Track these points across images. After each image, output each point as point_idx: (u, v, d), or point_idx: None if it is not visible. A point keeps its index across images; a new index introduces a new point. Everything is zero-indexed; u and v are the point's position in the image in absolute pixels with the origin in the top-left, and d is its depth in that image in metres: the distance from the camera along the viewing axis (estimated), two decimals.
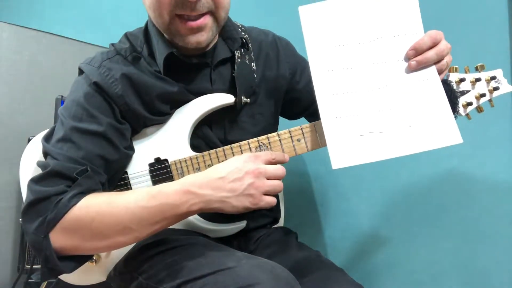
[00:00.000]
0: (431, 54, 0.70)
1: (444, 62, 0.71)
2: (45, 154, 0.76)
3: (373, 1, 0.72)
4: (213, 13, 0.75)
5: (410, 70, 0.71)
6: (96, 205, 0.69)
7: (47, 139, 0.77)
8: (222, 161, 0.77)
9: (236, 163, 0.69)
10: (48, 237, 0.67)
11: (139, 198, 0.68)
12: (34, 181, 0.70)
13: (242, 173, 0.68)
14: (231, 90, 0.86)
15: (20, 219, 0.71)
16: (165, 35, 0.80)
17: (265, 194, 0.69)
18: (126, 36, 0.87)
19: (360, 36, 0.72)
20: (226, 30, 0.87)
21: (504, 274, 0.97)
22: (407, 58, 0.71)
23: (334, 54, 0.72)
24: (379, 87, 0.70)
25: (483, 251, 1.00)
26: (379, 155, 0.67)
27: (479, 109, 0.77)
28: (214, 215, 0.87)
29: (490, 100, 0.77)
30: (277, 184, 0.71)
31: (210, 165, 0.80)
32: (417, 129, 0.68)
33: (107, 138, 0.76)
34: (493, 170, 0.99)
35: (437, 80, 0.70)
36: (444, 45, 0.71)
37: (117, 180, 0.83)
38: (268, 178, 0.70)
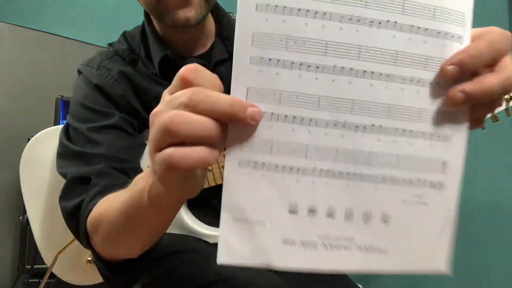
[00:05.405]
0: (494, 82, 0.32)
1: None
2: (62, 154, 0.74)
3: None
4: None
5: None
6: (102, 208, 0.61)
7: (68, 138, 0.75)
8: (221, 163, 0.77)
9: None
10: (92, 247, 0.63)
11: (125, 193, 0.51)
12: (60, 198, 0.69)
13: None
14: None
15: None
16: (155, 20, 0.78)
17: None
18: (124, 36, 0.86)
19: None
20: (224, 30, 0.85)
21: (504, 274, 0.97)
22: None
23: None
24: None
25: (483, 251, 1.00)
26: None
27: (494, 118, 0.75)
28: (214, 219, 0.87)
29: (506, 110, 0.74)
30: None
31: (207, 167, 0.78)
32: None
33: (122, 128, 0.76)
34: (493, 170, 0.99)
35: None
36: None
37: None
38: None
